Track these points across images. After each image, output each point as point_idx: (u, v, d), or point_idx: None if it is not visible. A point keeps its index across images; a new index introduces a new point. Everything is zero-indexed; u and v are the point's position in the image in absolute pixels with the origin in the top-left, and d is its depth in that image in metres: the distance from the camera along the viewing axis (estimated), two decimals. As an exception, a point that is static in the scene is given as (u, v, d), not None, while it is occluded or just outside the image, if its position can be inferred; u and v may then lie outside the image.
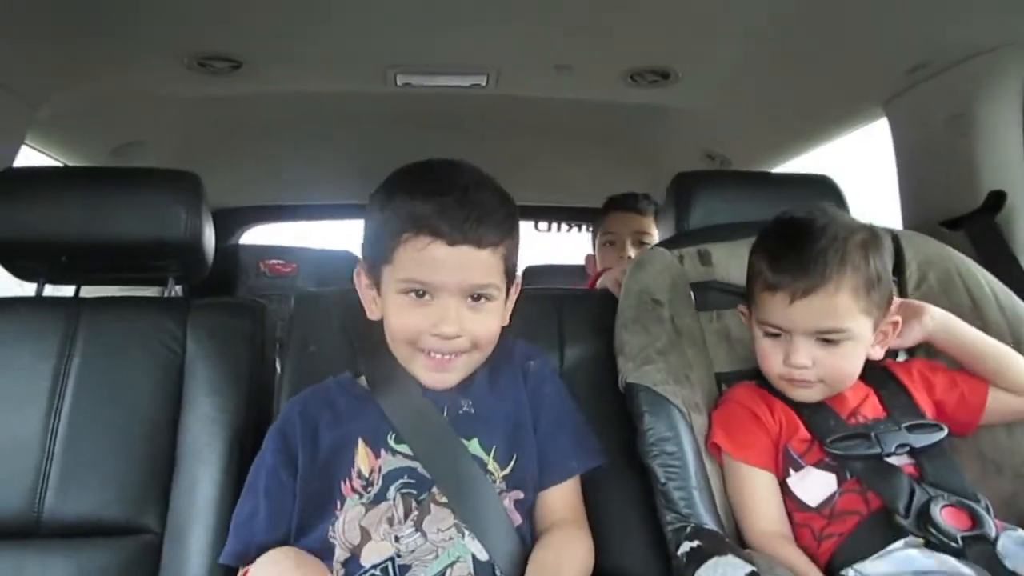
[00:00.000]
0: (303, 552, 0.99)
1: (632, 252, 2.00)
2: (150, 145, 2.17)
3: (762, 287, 1.10)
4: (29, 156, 1.80)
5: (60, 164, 2.02)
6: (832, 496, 1.05)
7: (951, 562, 0.95)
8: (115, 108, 1.90)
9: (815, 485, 1.07)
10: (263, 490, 1.06)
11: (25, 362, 1.25)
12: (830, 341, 1.08)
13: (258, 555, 1.00)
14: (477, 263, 1.02)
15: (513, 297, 1.15)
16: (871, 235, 1.10)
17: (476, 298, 1.04)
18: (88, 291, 1.55)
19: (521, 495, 1.06)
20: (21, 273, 1.43)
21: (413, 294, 1.03)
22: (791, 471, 1.09)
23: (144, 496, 1.18)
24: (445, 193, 1.01)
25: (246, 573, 1.00)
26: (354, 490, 1.04)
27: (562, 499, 1.09)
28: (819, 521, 1.05)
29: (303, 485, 1.05)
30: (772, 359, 1.12)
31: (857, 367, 1.11)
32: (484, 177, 1.06)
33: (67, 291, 1.53)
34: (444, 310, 1.02)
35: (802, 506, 1.07)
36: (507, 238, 1.05)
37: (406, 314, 1.04)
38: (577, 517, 1.09)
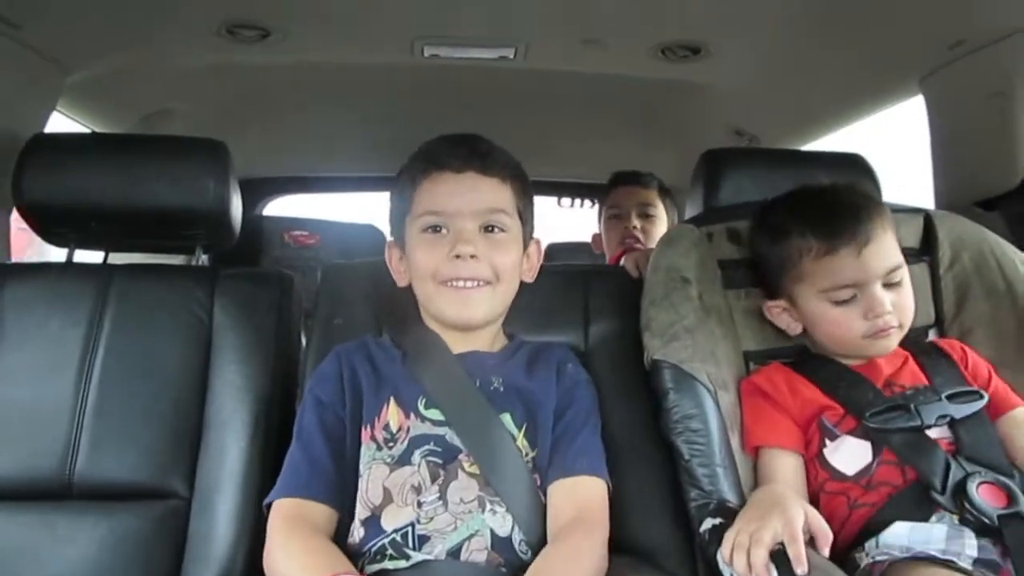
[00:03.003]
0: None
1: (637, 223, 2.01)
2: (178, 113, 2.17)
3: (819, 256, 1.12)
4: (57, 122, 1.81)
5: (89, 131, 2.03)
6: (870, 466, 1.05)
7: (973, 544, 0.94)
8: (145, 76, 1.91)
9: (851, 453, 1.06)
10: (316, 433, 1.06)
11: (56, 328, 1.26)
12: (894, 283, 1.12)
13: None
14: (485, 187, 1.11)
15: (535, 259, 1.19)
16: None
17: (490, 229, 1.11)
18: (117, 258, 1.57)
19: (538, 481, 1.06)
20: (52, 239, 1.45)
21: (431, 230, 1.10)
22: (827, 441, 1.08)
23: (172, 462, 1.20)
24: (452, 139, 1.14)
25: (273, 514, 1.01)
26: (373, 439, 1.05)
27: (573, 496, 1.03)
28: (856, 490, 1.05)
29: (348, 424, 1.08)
30: (850, 323, 1.12)
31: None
32: (491, 142, 1.16)
33: (96, 258, 1.55)
34: (460, 233, 1.08)
35: (838, 475, 1.06)
36: (514, 178, 1.14)
37: (427, 249, 1.10)
38: (588, 518, 1.01)
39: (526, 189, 1.16)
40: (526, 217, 1.16)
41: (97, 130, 2.04)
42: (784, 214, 1.18)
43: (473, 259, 1.07)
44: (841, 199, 1.14)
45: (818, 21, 1.57)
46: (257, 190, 2.86)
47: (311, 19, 1.66)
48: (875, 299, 1.09)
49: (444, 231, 1.09)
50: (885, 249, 1.11)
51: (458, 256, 1.07)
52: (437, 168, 1.10)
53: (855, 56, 1.70)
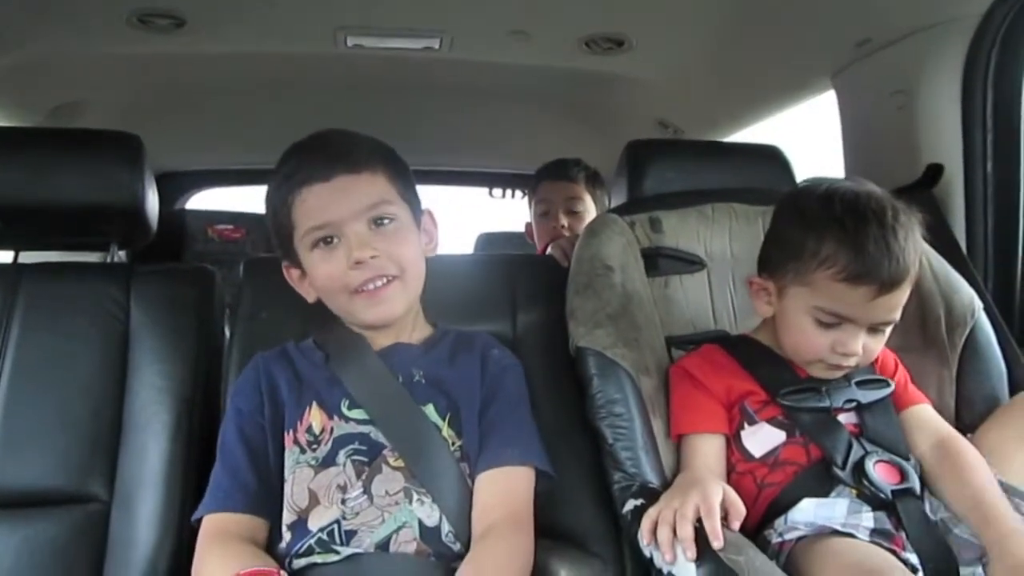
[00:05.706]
0: None
1: (565, 221, 1.99)
2: (90, 106, 2.08)
3: (840, 276, 1.00)
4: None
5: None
6: (776, 448, 1.09)
7: (870, 516, 1.01)
8: (54, 67, 1.83)
9: (764, 439, 1.10)
10: (235, 444, 1.06)
11: None
12: (879, 330, 1.06)
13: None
14: (359, 185, 1.07)
15: (432, 230, 1.19)
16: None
17: (379, 223, 1.08)
18: (28, 257, 1.50)
19: (468, 470, 1.06)
20: (-45, 238, 1.38)
21: (322, 244, 1.07)
22: (745, 424, 1.12)
23: (90, 465, 1.16)
24: (307, 147, 1.11)
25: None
26: (296, 442, 1.05)
27: (500, 487, 1.03)
28: (761, 470, 1.09)
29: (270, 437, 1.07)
30: (819, 344, 1.06)
31: None
32: (348, 132, 1.12)
33: (5, 257, 1.48)
34: (352, 239, 1.05)
35: (748, 456, 1.11)
36: (383, 164, 1.10)
37: (324, 264, 1.07)
38: (515, 511, 1.01)
39: (400, 169, 1.13)
40: (409, 197, 1.14)
41: (1, 124, 1.94)
42: (825, 213, 1.03)
43: (374, 259, 1.05)
44: (895, 233, 1.00)
45: (733, 18, 1.63)
46: (178, 184, 2.77)
47: (228, 8, 1.62)
48: (853, 340, 1.04)
49: (335, 240, 1.06)
50: (897, 302, 1.03)
51: (358, 262, 1.05)
52: (306, 183, 1.06)
53: (770, 53, 1.77)
